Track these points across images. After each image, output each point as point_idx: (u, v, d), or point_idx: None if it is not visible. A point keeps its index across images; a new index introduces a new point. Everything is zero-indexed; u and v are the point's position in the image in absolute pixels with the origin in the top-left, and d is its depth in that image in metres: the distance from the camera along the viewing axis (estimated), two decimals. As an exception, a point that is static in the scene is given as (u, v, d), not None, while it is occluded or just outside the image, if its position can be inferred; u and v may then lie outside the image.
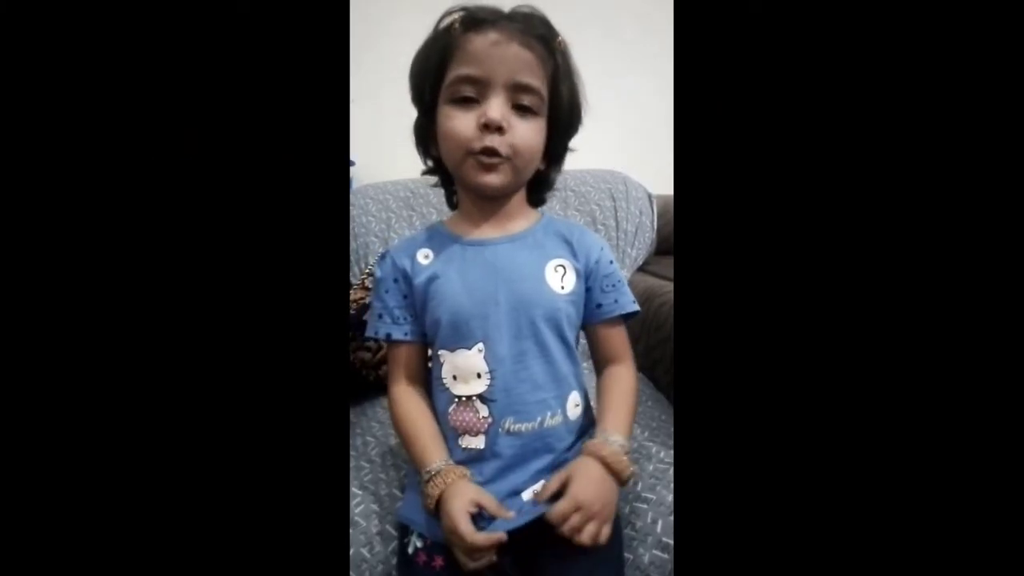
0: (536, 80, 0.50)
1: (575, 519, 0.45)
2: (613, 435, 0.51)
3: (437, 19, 0.52)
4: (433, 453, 0.52)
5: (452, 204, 0.61)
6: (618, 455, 0.49)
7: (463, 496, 0.47)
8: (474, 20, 0.50)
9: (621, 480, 0.49)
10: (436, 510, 0.49)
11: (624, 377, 0.58)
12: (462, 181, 0.55)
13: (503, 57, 0.48)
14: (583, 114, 0.56)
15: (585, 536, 0.45)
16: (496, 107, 0.48)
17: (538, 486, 0.50)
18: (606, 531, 0.46)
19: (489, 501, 0.48)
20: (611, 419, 0.53)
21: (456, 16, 0.50)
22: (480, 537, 0.45)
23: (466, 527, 0.45)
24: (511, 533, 0.48)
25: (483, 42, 0.49)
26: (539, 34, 0.50)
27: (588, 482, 0.47)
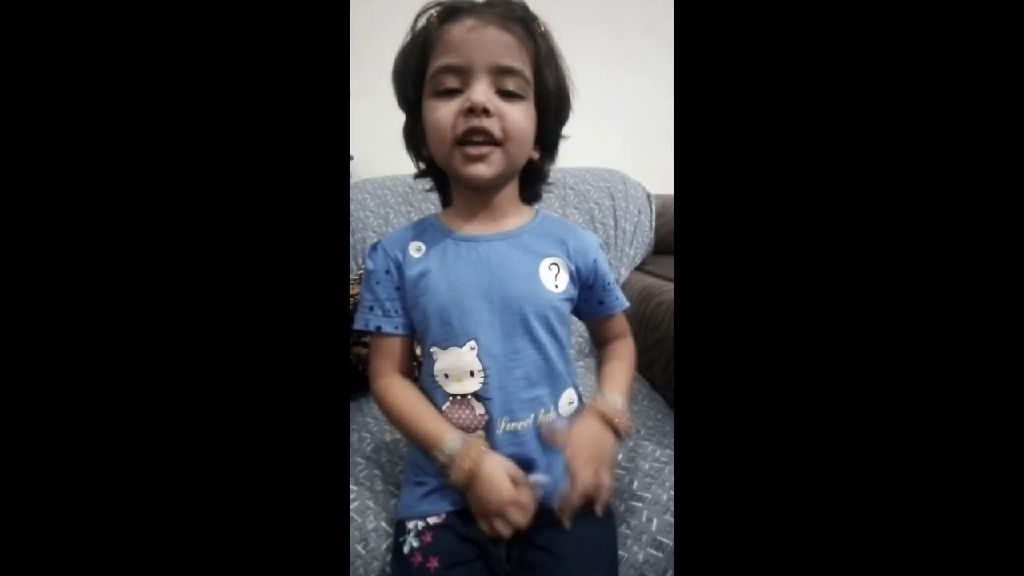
0: (518, 62, 0.48)
1: (581, 474, 0.48)
2: (611, 395, 0.54)
3: (413, 18, 0.51)
4: (445, 429, 0.51)
5: (446, 205, 0.61)
6: (615, 409, 0.52)
7: (500, 472, 0.49)
8: (450, 11, 0.49)
9: (618, 432, 0.52)
10: (466, 490, 0.49)
11: (623, 348, 0.62)
12: (452, 174, 0.54)
13: (482, 42, 0.47)
14: (572, 99, 0.55)
15: (581, 482, 0.48)
16: (480, 91, 0.47)
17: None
18: (605, 475, 0.49)
19: (516, 473, 0.50)
20: (609, 383, 0.57)
21: (432, 11, 0.50)
22: (527, 499, 0.48)
23: (516, 493, 0.48)
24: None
25: (460, 30, 0.48)
26: (518, 17, 0.49)
27: (582, 436, 0.51)
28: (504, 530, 0.48)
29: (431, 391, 0.54)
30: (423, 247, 0.55)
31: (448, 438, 0.50)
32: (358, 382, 0.89)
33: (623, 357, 0.61)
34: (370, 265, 0.56)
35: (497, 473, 0.48)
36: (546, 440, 0.51)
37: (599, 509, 0.49)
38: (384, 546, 0.54)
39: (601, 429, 0.51)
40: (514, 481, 0.48)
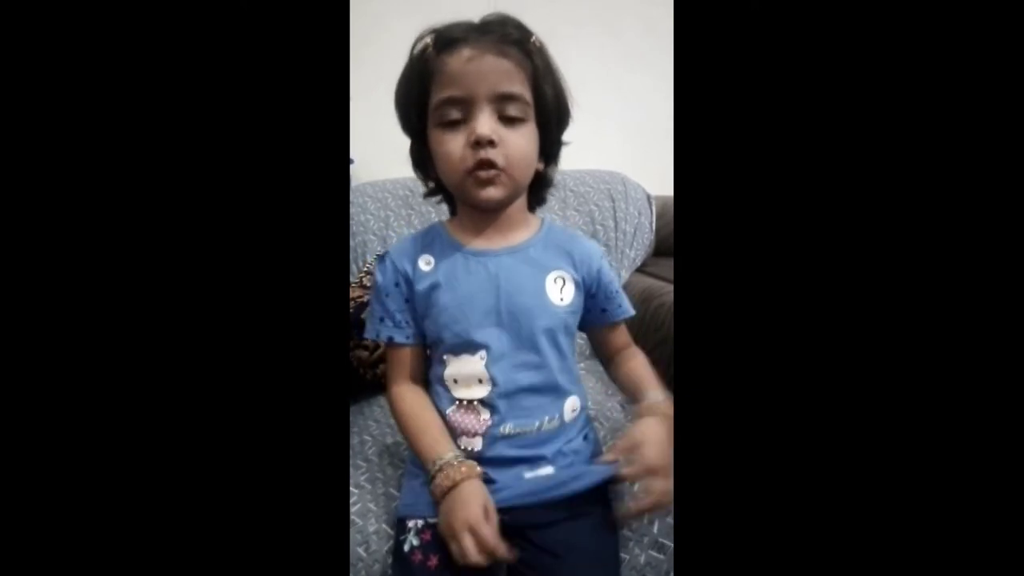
0: (518, 87, 0.50)
1: (658, 484, 0.45)
2: (653, 392, 0.53)
3: (411, 45, 0.52)
4: (443, 445, 0.52)
5: (455, 214, 0.62)
6: (666, 405, 0.51)
7: (480, 496, 0.47)
8: (446, 40, 0.50)
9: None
10: (442, 500, 0.49)
11: (635, 354, 0.62)
12: (463, 199, 0.56)
13: (480, 72, 0.48)
14: (571, 107, 0.56)
15: (667, 499, 0.45)
16: (484, 123, 0.49)
17: (607, 456, 0.51)
18: (669, 486, 0.46)
19: (492, 518, 0.47)
20: (644, 382, 0.56)
21: (428, 40, 0.51)
22: (499, 545, 0.45)
23: (487, 528, 0.45)
24: (507, 533, 0.48)
25: (458, 61, 0.49)
26: (513, 39, 0.50)
27: (656, 445, 0.47)
28: (458, 555, 0.45)
29: (439, 394, 0.56)
30: (432, 260, 0.57)
31: (444, 453, 0.50)
32: (359, 385, 0.89)
33: (642, 362, 0.61)
34: (379, 278, 0.58)
35: (472, 497, 0.47)
36: (612, 459, 0.49)
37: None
38: (385, 548, 0.54)
39: (668, 432, 0.48)
40: (486, 514, 0.46)
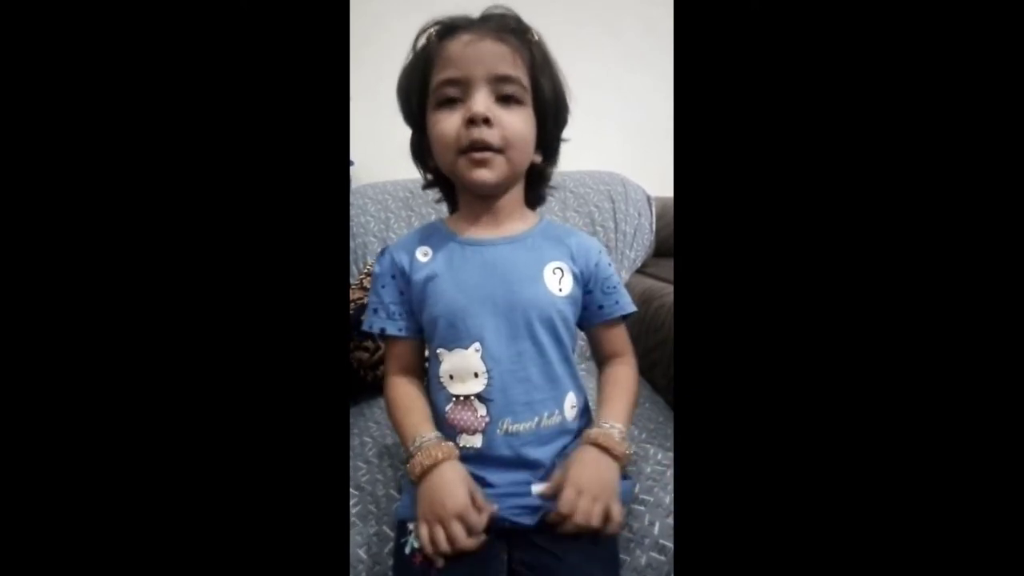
0: (515, 70, 0.51)
1: (583, 503, 0.46)
2: (608, 421, 0.52)
3: (414, 38, 0.54)
4: (424, 426, 0.52)
5: (454, 212, 0.62)
6: (610, 436, 0.50)
7: (464, 479, 0.48)
8: (448, 28, 0.52)
9: (617, 458, 0.50)
10: (421, 480, 0.48)
11: (623, 372, 0.59)
12: (458, 181, 0.55)
13: (479, 54, 0.50)
14: (569, 104, 0.57)
15: (594, 519, 0.46)
16: (479, 101, 0.49)
17: (540, 486, 0.51)
18: (616, 509, 0.47)
19: (476, 492, 0.48)
20: (608, 409, 0.55)
21: (431, 30, 0.53)
22: (478, 519, 0.46)
23: (475, 515, 0.46)
24: (507, 533, 0.49)
25: (458, 45, 0.50)
26: (512, 28, 0.52)
27: (584, 467, 0.49)
28: (443, 544, 0.45)
29: (436, 392, 0.55)
30: (430, 251, 0.57)
31: (423, 433, 0.51)
32: (359, 387, 0.89)
33: (621, 382, 0.58)
34: (377, 269, 0.58)
35: (455, 481, 0.48)
36: (546, 495, 0.49)
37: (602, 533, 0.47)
38: (386, 550, 0.54)
39: (600, 457, 0.50)
40: (472, 500, 0.47)
